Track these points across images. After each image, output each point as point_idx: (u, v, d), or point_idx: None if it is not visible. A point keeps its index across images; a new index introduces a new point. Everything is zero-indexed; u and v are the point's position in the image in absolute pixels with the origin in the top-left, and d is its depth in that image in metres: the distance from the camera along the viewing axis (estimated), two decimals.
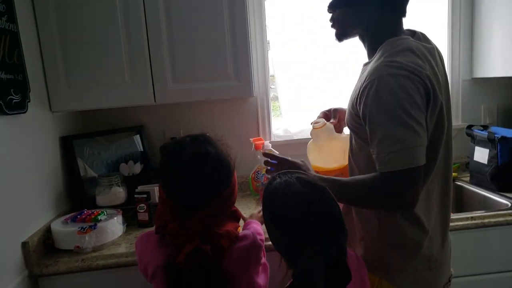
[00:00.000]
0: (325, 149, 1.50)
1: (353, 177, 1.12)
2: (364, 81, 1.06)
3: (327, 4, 1.21)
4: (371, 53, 1.18)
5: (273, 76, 2.19)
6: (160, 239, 1.06)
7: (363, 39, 1.22)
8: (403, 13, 1.17)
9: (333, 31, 1.23)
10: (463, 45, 2.20)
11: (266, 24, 2.09)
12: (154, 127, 2.10)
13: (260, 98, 2.12)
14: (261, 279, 1.11)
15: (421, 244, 1.12)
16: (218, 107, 2.11)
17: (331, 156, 1.49)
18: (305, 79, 2.15)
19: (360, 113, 1.08)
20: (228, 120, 2.12)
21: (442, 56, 1.22)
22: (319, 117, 1.55)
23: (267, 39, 2.10)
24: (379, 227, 1.14)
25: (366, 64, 1.20)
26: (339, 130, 1.54)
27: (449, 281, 1.23)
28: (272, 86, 2.19)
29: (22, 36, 1.47)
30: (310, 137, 1.53)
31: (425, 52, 1.11)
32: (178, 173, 1.03)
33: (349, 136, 1.28)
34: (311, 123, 1.50)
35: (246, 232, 1.10)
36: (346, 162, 1.40)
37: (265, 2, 2.06)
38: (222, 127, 2.11)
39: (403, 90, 0.99)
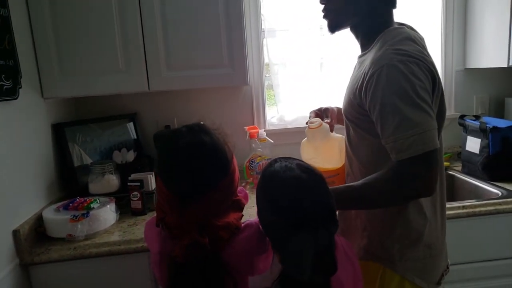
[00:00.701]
0: (321, 149, 1.49)
1: (363, 179, 1.07)
2: (369, 69, 1.04)
3: None
4: (366, 43, 1.17)
5: (268, 64, 2.18)
6: (161, 230, 1.04)
7: (356, 30, 1.20)
8: (394, 5, 1.17)
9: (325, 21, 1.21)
10: (456, 35, 2.21)
11: (262, 13, 2.07)
12: (148, 114, 2.08)
13: (255, 87, 2.11)
14: (266, 263, 1.08)
15: (423, 232, 1.13)
16: (212, 95, 2.10)
17: (328, 156, 1.48)
18: (300, 68, 2.15)
19: (367, 102, 1.05)
20: (222, 109, 2.11)
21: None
22: (312, 116, 1.52)
23: (262, 27, 2.08)
24: (383, 217, 1.14)
25: (361, 56, 1.19)
26: (331, 129, 1.54)
27: (447, 268, 1.25)
28: (267, 75, 2.18)
29: (13, 21, 1.44)
30: (305, 125, 1.52)
31: (421, 41, 1.12)
32: (174, 164, 1.01)
33: (345, 136, 1.27)
34: (306, 123, 1.49)
35: (249, 221, 1.06)
36: (342, 163, 1.40)
37: None
38: (216, 115, 2.10)
39: (414, 76, 0.98)
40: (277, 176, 0.92)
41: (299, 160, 0.97)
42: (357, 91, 1.09)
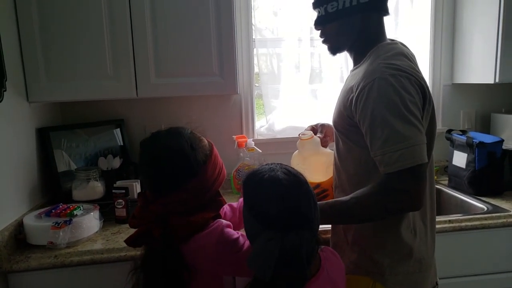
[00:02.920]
0: (309, 161, 1.53)
1: (352, 193, 1.07)
2: (361, 81, 1.05)
3: (314, 23, 1.20)
4: (359, 58, 1.18)
5: (258, 74, 2.17)
6: None
7: (350, 49, 1.22)
8: (387, 11, 1.18)
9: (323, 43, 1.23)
10: (445, 51, 2.24)
11: (253, 23, 2.07)
12: (135, 121, 2.06)
13: (244, 96, 2.11)
14: (238, 270, 1.10)
15: (413, 247, 1.13)
16: (201, 103, 2.08)
17: (314, 169, 1.52)
18: (290, 78, 2.15)
19: (357, 114, 1.06)
20: (211, 117, 2.10)
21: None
22: (306, 129, 1.58)
23: (253, 37, 2.09)
24: (373, 232, 1.14)
25: (354, 69, 1.20)
26: (324, 145, 1.57)
27: (437, 284, 1.25)
28: (257, 84, 2.18)
29: (0, 23, 1.41)
30: (294, 136, 1.54)
31: (413, 58, 1.14)
32: (142, 163, 1.13)
33: (333, 151, 1.28)
34: (299, 135, 1.52)
35: (214, 223, 1.09)
36: (328, 177, 1.40)
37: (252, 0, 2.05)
38: (205, 124, 2.06)
39: (405, 90, 1.00)
40: (258, 175, 0.95)
41: (289, 166, 0.98)
42: (348, 103, 1.10)
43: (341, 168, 1.23)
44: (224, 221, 1.12)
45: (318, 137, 1.52)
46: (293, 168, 0.98)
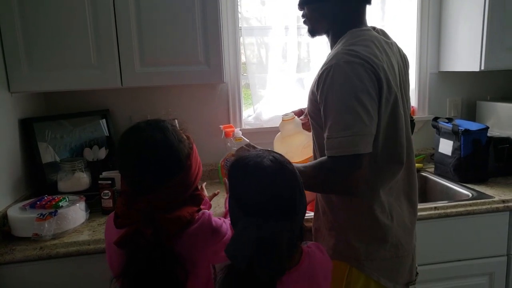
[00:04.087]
0: (287, 142, 1.55)
1: (308, 163, 1.14)
2: (322, 67, 1.09)
3: (297, 3, 1.24)
4: (333, 44, 1.21)
5: (245, 63, 2.16)
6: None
7: (327, 33, 1.24)
8: (367, 0, 1.19)
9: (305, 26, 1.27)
10: (431, 39, 2.24)
11: (239, 11, 2.05)
12: (121, 111, 2.03)
13: (231, 85, 2.09)
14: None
15: (389, 232, 1.14)
16: (187, 92, 2.06)
17: (291, 150, 1.54)
18: (278, 68, 2.14)
19: (318, 99, 1.10)
20: (198, 107, 2.08)
21: (402, 52, 1.28)
22: (294, 112, 1.60)
23: (240, 25, 2.07)
24: (348, 216, 1.15)
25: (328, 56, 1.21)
26: (309, 128, 1.56)
27: (417, 273, 1.26)
28: (244, 74, 2.16)
29: None
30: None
31: (384, 45, 1.15)
32: (125, 158, 1.06)
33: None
34: (282, 115, 1.53)
35: (200, 215, 1.09)
36: (304, 157, 1.41)
37: None
38: (191, 113, 2.07)
39: (358, 78, 1.02)
40: (243, 161, 0.94)
41: (279, 154, 0.98)
42: (314, 88, 1.13)
43: (314, 152, 1.26)
44: (207, 211, 1.13)
45: (301, 119, 1.53)
46: (282, 156, 0.97)
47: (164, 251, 1.01)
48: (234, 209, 0.93)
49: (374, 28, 1.21)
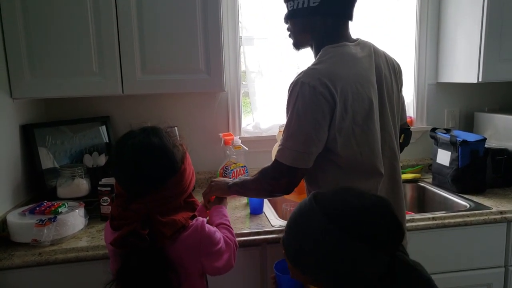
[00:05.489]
0: None
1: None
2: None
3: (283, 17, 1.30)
4: (315, 58, 1.26)
5: (244, 72, 2.18)
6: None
7: (311, 46, 1.30)
8: (348, 17, 1.24)
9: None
10: (430, 51, 2.27)
11: (240, 20, 2.07)
12: (121, 118, 2.04)
13: (231, 93, 2.11)
14: (218, 263, 1.13)
15: None
16: (188, 100, 2.08)
17: None
18: (277, 76, 2.16)
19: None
20: (198, 114, 2.10)
21: (392, 62, 1.32)
22: None
23: (240, 35, 2.09)
24: None
25: None
26: None
27: None
28: (244, 82, 2.18)
29: None
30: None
31: (357, 61, 1.19)
32: (120, 162, 1.09)
33: None
34: (279, 126, 1.56)
35: (194, 221, 1.12)
36: None
37: None
38: (191, 121, 2.08)
39: (307, 101, 1.11)
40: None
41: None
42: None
43: None
44: (201, 218, 1.15)
45: None
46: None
47: (158, 254, 1.03)
48: None
49: (357, 40, 1.25)
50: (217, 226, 1.24)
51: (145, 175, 1.07)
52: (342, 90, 1.12)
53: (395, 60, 1.36)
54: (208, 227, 1.13)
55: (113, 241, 1.03)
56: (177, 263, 1.05)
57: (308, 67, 1.17)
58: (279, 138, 1.59)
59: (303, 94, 1.11)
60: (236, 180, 1.37)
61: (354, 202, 0.81)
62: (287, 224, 0.88)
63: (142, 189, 1.07)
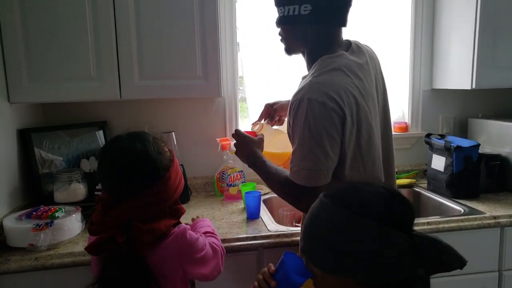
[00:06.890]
0: (273, 142, 1.57)
1: (276, 168, 1.26)
2: (293, 97, 1.15)
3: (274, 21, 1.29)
4: (308, 66, 1.26)
5: (241, 77, 2.19)
6: None
7: (303, 53, 1.29)
8: (341, 23, 1.22)
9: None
10: (424, 57, 2.29)
11: (237, 26, 2.09)
12: (118, 123, 2.05)
13: (228, 99, 2.12)
14: (204, 269, 1.13)
15: None
16: (185, 105, 2.09)
17: (280, 146, 1.55)
18: (273, 81, 2.17)
19: (291, 124, 1.18)
20: (195, 120, 2.11)
21: (375, 58, 1.32)
22: (259, 117, 1.61)
23: (237, 40, 2.10)
24: None
25: (303, 78, 1.26)
26: (281, 123, 1.64)
27: None
28: (241, 88, 2.19)
29: None
30: None
31: (356, 69, 1.18)
32: (102, 166, 1.11)
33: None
34: (251, 126, 1.59)
35: (176, 229, 1.11)
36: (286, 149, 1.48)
37: (236, 3, 2.06)
38: (188, 126, 2.09)
39: (318, 118, 1.09)
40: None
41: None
42: (288, 114, 1.20)
43: None
44: (183, 225, 1.15)
45: (268, 123, 1.58)
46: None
47: (137, 260, 1.03)
48: None
49: (350, 44, 1.25)
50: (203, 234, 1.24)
51: (126, 180, 1.06)
52: (349, 102, 1.11)
53: (373, 51, 1.35)
54: (190, 233, 1.12)
55: (88, 246, 1.03)
56: (157, 270, 1.04)
57: (310, 81, 1.14)
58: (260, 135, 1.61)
59: (313, 111, 1.09)
60: (265, 161, 1.30)
61: (371, 190, 0.82)
62: (305, 232, 0.85)
63: (123, 194, 1.06)
